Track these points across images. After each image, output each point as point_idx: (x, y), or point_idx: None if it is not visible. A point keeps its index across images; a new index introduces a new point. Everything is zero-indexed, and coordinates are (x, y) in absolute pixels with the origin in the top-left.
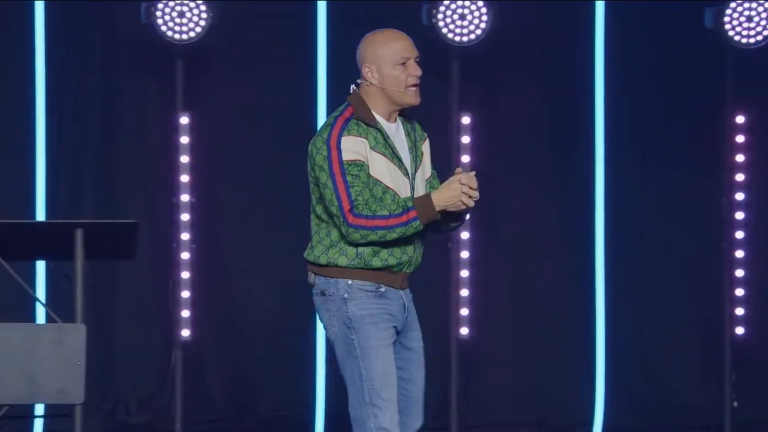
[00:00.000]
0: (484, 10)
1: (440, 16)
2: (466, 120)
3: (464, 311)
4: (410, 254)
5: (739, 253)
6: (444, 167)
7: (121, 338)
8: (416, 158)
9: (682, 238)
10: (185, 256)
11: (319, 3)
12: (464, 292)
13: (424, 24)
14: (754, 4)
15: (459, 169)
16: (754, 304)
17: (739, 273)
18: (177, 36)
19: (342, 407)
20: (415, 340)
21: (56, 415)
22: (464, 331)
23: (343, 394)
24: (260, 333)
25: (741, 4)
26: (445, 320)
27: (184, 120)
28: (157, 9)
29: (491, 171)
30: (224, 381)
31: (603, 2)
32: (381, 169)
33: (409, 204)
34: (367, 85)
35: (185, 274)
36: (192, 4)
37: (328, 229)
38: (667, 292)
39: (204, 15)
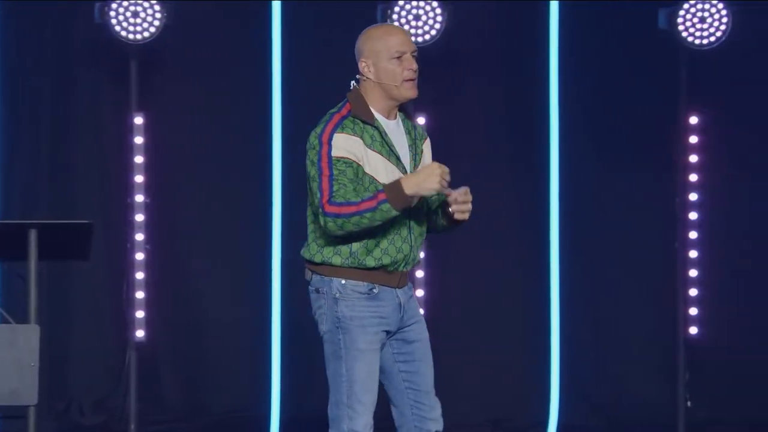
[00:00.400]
0: (438, 10)
1: (395, 17)
2: (421, 120)
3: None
4: (405, 252)
5: (693, 253)
6: None
7: (75, 339)
8: (416, 156)
9: (637, 237)
10: (140, 256)
11: (273, 3)
12: (419, 293)
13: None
14: (707, 5)
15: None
16: (708, 304)
17: (693, 273)
18: (131, 36)
19: (297, 408)
20: (417, 332)
21: (9, 417)
22: None
23: (298, 394)
24: (215, 333)
25: (694, 5)
26: None
27: (139, 120)
28: (111, 9)
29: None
30: (179, 382)
31: (557, 2)
32: (376, 167)
33: (380, 187)
34: (364, 80)
35: (139, 275)
36: (146, 4)
37: (323, 228)
38: (621, 292)
39: (158, 15)
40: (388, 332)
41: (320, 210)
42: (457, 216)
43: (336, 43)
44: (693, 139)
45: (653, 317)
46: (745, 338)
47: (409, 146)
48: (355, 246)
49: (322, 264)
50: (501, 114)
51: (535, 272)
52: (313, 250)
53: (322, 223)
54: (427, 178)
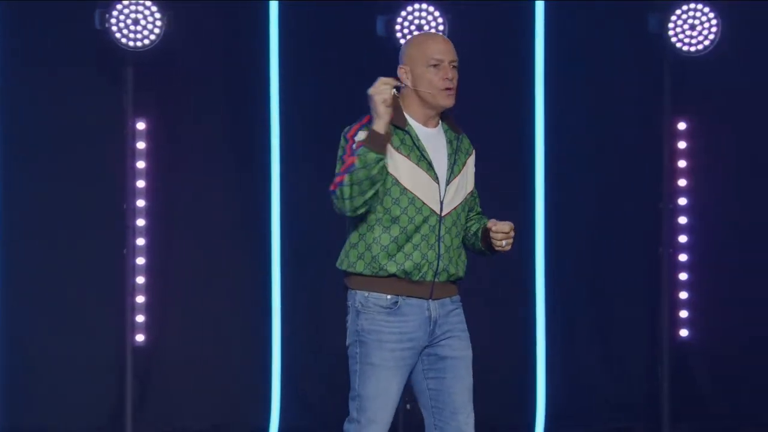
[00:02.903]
0: (158, 15)
1: (113, 20)
2: (141, 125)
3: (140, 318)
4: (431, 259)
5: None
6: (119, 172)
7: None
8: (454, 166)
9: None
10: None
11: None
12: (140, 299)
13: (97, 28)
14: (423, 13)
15: (492, 221)
16: None
17: None
18: None
19: (17, 418)
20: (453, 348)
21: None
22: (140, 337)
23: (14, 404)
24: None
25: (411, 13)
26: (119, 326)
27: None
28: None
29: (168, 176)
30: None
31: (277, 2)
32: (400, 170)
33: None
34: (404, 87)
35: None
36: None
37: (350, 232)
38: (341, 291)
39: None
40: (416, 348)
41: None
42: (496, 246)
43: (50, 45)
44: None
45: None
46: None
47: (448, 155)
48: (376, 250)
49: (347, 273)
50: (223, 116)
51: (255, 275)
52: (342, 256)
53: (334, 204)
54: (372, 102)
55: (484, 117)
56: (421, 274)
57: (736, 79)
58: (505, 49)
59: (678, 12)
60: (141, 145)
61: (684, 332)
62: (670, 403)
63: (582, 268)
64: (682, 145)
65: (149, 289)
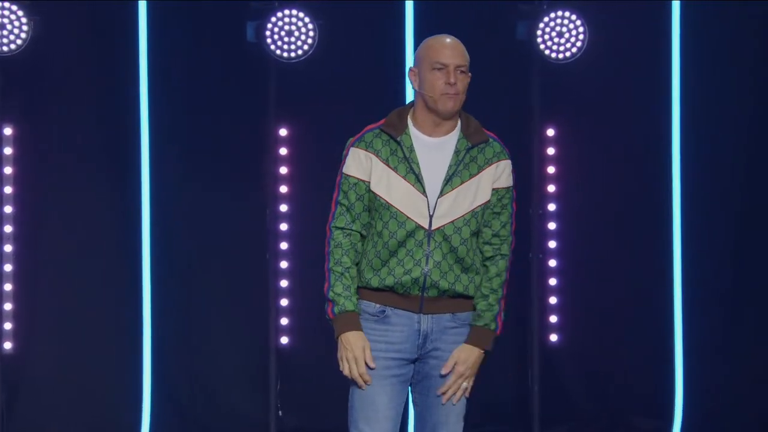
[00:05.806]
0: (24, 19)
1: None
2: (8, 131)
3: (8, 325)
4: (416, 275)
5: (284, 264)
6: None
7: None
8: (452, 178)
9: (230, 249)
10: None
11: None
12: (8, 306)
13: None
14: (294, 19)
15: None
16: (298, 314)
17: (284, 283)
18: None
19: None
20: (438, 368)
21: None
22: (8, 345)
23: None
24: None
25: (281, 19)
26: None
27: None
28: None
29: (36, 182)
30: None
31: (145, 3)
32: (383, 184)
33: (347, 307)
34: (415, 90)
35: None
36: None
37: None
38: (213, 300)
39: None
40: (405, 359)
41: (327, 224)
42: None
43: None
44: (283, 151)
45: (246, 327)
46: (332, 348)
47: (449, 166)
48: (363, 264)
49: None
50: (91, 120)
51: (128, 282)
52: None
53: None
54: (343, 347)
55: (356, 120)
56: (405, 289)
57: (604, 85)
58: (376, 51)
59: (546, 19)
60: (8, 150)
61: (554, 337)
62: (540, 407)
63: None
64: (551, 151)
65: (17, 297)
